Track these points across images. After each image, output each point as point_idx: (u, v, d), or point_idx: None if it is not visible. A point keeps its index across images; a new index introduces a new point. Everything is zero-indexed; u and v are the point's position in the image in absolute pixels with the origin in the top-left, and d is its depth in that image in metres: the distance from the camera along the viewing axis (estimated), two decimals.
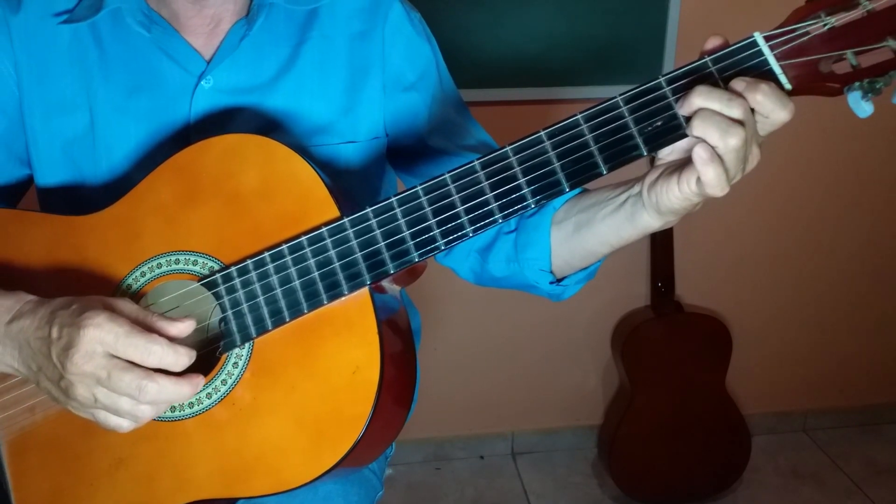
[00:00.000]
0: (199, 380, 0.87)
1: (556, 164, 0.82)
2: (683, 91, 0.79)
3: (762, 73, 0.78)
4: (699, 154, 0.77)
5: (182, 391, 0.84)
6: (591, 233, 0.95)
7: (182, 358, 0.84)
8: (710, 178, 0.78)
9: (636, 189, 0.88)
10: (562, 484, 2.62)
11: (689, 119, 0.79)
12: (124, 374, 0.82)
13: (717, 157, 0.77)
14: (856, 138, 2.53)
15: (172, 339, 0.85)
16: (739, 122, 0.76)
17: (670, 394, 2.47)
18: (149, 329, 0.84)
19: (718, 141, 0.76)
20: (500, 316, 2.55)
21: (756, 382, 2.76)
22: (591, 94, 2.27)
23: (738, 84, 0.77)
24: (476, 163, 0.84)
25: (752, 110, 0.78)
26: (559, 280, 1.04)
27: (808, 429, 2.87)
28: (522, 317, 2.56)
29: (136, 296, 0.95)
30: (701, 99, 0.77)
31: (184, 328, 0.87)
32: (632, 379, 2.47)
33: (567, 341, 2.66)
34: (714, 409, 2.51)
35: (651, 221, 0.88)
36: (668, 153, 0.84)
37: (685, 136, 0.80)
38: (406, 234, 0.86)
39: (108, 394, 0.83)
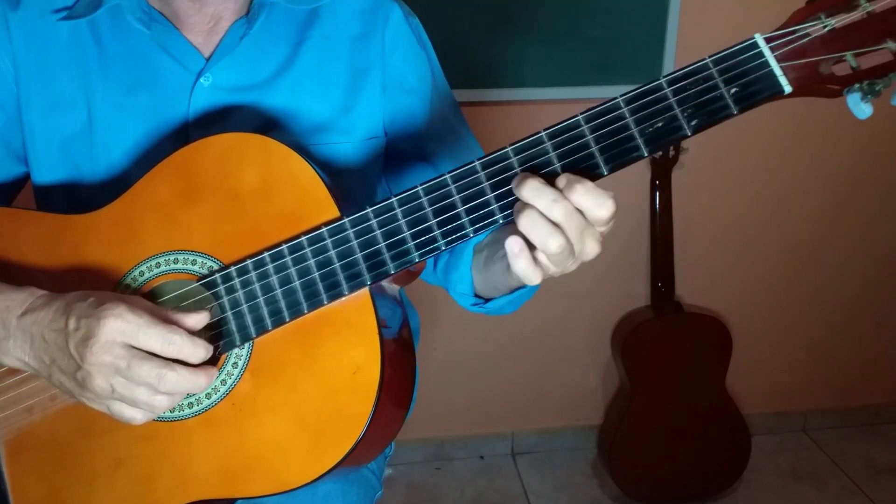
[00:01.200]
0: (213, 371, 0.88)
1: (557, 165, 0.82)
2: (685, 92, 0.79)
3: (763, 75, 0.78)
4: (510, 246, 0.80)
5: (199, 381, 0.85)
6: (492, 269, 0.98)
7: (199, 349, 0.85)
8: (519, 270, 0.80)
9: None
10: (562, 484, 2.62)
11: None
12: (144, 363, 0.83)
13: (527, 250, 0.79)
14: (855, 139, 2.53)
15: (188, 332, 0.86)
16: (559, 226, 0.78)
17: (670, 394, 2.47)
18: (166, 321, 0.85)
19: (540, 244, 0.78)
20: (499, 316, 2.55)
21: (756, 382, 2.76)
22: (592, 94, 2.27)
23: (560, 181, 0.79)
24: (477, 163, 0.83)
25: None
26: (487, 300, 1.07)
27: (808, 429, 2.87)
28: (522, 317, 2.55)
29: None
30: (529, 194, 0.78)
31: (199, 319, 0.88)
32: (632, 379, 2.47)
33: (567, 341, 2.66)
34: (714, 409, 2.51)
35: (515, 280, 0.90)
36: None
37: (687, 136, 0.80)
38: (406, 234, 0.85)
39: (126, 383, 0.83)
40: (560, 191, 0.78)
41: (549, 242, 0.78)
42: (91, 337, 0.82)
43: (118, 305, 0.83)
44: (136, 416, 0.86)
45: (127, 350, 0.83)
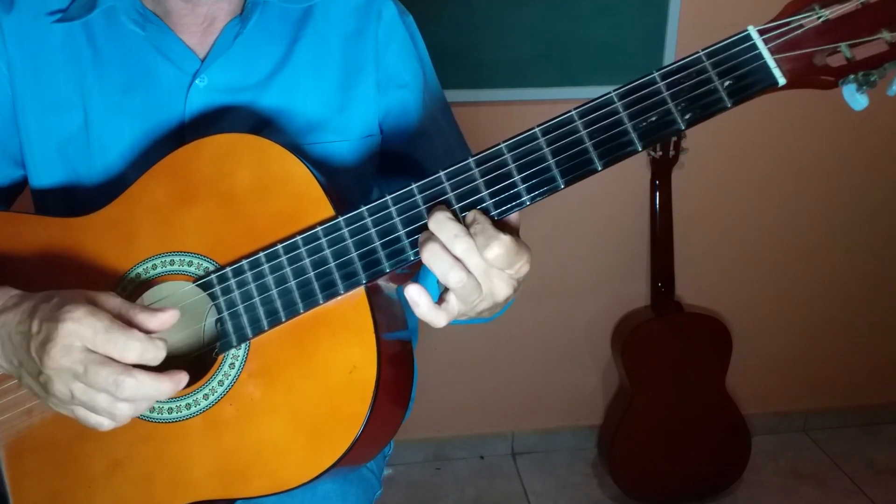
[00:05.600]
0: (182, 375, 0.84)
1: (551, 161, 0.82)
2: (678, 85, 0.79)
3: (756, 67, 0.78)
4: (409, 295, 0.79)
5: (162, 387, 0.82)
6: None
7: (161, 353, 0.82)
8: (422, 316, 0.80)
9: None
10: (562, 484, 2.62)
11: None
12: (101, 368, 0.80)
13: (426, 296, 0.79)
14: (855, 139, 2.53)
15: (153, 332, 0.83)
16: (461, 261, 0.78)
17: (670, 394, 2.47)
18: (129, 323, 0.83)
19: (441, 276, 0.78)
20: (498, 316, 2.55)
21: (756, 382, 2.77)
22: (592, 94, 2.25)
23: (468, 216, 0.80)
24: (471, 160, 0.83)
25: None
26: None
27: (808, 429, 2.87)
28: (522, 317, 2.56)
29: (132, 298, 0.94)
30: (433, 226, 0.79)
31: (166, 318, 0.85)
32: (632, 379, 2.47)
33: (567, 341, 2.66)
34: (714, 409, 2.51)
35: None
36: None
37: (680, 130, 0.80)
38: (401, 232, 0.85)
39: (86, 389, 0.81)
40: (466, 227, 0.79)
41: (450, 276, 0.78)
42: (49, 341, 0.80)
43: (79, 308, 0.81)
44: (102, 422, 0.83)
45: (85, 354, 0.80)
